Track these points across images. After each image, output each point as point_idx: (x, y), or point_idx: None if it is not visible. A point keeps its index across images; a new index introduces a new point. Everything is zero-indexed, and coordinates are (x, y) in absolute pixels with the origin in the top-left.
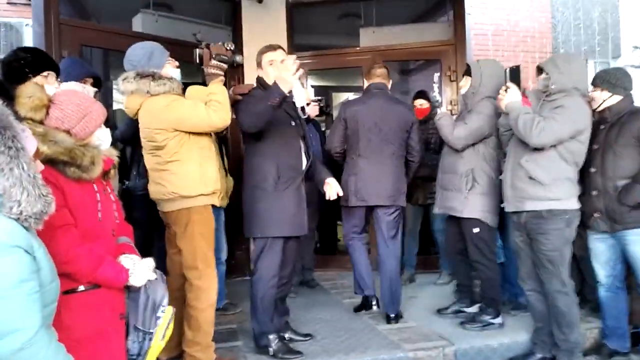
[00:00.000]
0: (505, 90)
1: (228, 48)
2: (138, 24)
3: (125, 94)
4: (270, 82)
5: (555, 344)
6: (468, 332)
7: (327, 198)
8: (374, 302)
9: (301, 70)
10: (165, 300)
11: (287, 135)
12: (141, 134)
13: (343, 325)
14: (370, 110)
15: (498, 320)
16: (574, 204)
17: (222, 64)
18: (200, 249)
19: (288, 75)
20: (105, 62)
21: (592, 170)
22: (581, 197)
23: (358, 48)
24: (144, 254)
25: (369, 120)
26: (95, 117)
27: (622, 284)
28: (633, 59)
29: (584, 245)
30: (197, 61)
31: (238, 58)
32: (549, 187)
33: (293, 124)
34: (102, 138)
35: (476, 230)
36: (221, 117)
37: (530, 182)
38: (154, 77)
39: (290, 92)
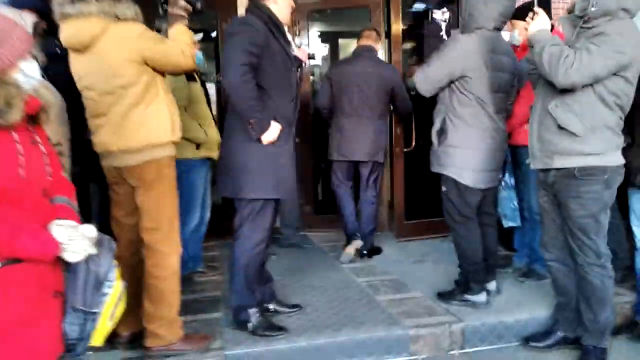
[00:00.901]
0: (532, 18)
1: None
2: None
3: (71, 18)
4: (282, 15)
5: (581, 322)
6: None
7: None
8: (354, 238)
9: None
10: (113, 274)
11: (286, 80)
12: (90, 72)
13: (337, 294)
14: (354, 71)
15: (479, 297)
16: (616, 160)
17: (188, 6)
18: (166, 208)
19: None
20: None
21: None
22: (627, 150)
23: None
24: (106, 214)
25: (352, 81)
26: (17, 44)
27: None
28: None
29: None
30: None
31: (199, 4)
32: (585, 139)
33: (292, 67)
34: (29, 73)
35: (443, 188)
36: (190, 60)
37: (560, 132)
38: None
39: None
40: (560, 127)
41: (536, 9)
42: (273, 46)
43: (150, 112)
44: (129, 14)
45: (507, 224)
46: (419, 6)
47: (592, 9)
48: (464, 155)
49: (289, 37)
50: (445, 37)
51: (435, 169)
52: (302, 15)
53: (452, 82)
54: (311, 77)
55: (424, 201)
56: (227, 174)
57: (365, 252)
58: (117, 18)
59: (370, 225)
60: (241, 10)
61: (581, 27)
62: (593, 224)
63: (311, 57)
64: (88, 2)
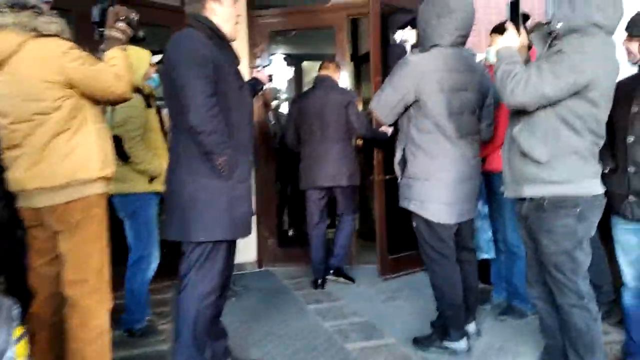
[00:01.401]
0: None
1: (133, 16)
2: None
3: None
4: (226, 28)
5: None
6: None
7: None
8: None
9: None
10: (12, 351)
11: (241, 102)
12: (4, 95)
13: (303, 342)
14: (311, 102)
15: (459, 344)
16: (589, 189)
17: (128, 29)
18: (94, 256)
19: None
20: None
21: (630, 139)
22: (610, 175)
23: (330, 4)
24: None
25: (310, 110)
26: None
27: None
28: None
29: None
30: (97, 19)
31: (141, 33)
32: (549, 166)
33: (243, 85)
34: None
35: (414, 224)
36: (127, 87)
37: (525, 159)
38: (37, 10)
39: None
40: (523, 153)
41: (507, 24)
42: (223, 64)
43: (75, 143)
44: (52, 29)
45: (480, 256)
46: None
47: (558, 26)
48: (426, 187)
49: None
50: None
51: (401, 202)
52: (263, 36)
53: (407, 107)
54: (274, 102)
55: (407, 232)
56: (172, 213)
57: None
58: (38, 33)
59: (340, 253)
60: None
61: (549, 45)
62: (568, 261)
63: (270, 79)
64: (2, 13)
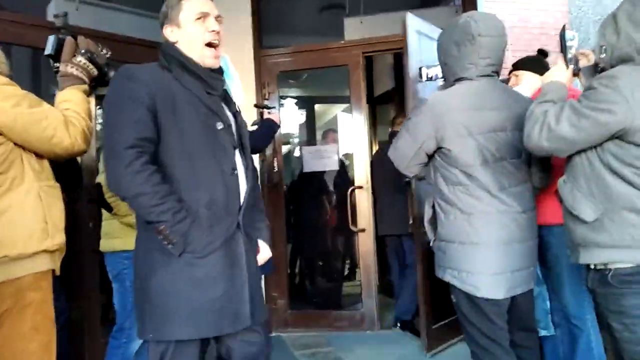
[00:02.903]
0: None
1: (103, 52)
2: (53, 12)
3: None
4: (194, 53)
5: None
6: None
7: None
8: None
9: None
10: None
11: (212, 145)
12: None
13: None
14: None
15: None
16: None
17: (90, 66)
18: (31, 356)
19: None
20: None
21: None
22: None
23: (343, 42)
24: None
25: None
26: None
27: None
28: None
29: None
30: (51, 51)
31: (112, 73)
32: (600, 226)
33: (220, 125)
34: None
35: (453, 299)
36: (79, 138)
37: (572, 217)
38: None
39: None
40: (570, 212)
41: (554, 56)
42: (180, 100)
43: (4, 207)
44: None
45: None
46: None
47: (602, 56)
48: (463, 252)
49: (231, 85)
50: None
51: (436, 271)
52: (272, 77)
53: (431, 155)
54: (285, 146)
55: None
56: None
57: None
58: None
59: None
60: None
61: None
62: None
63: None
64: None
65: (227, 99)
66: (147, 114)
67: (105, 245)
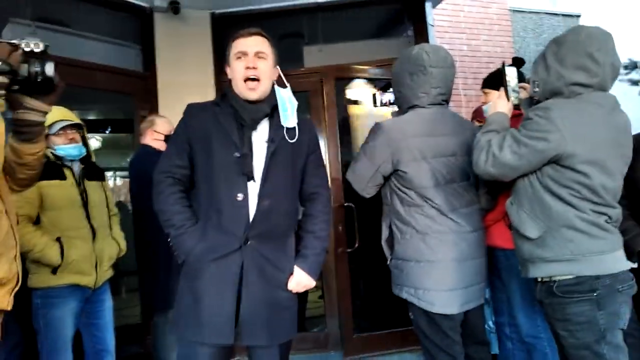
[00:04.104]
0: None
1: (27, 48)
2: (8, 37)
3: None
4: (237, 88)
5: None
6: None
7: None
8: None
9: None
10: None
11: (225, 173)
12: None
13: None
14: None
15: None
16: (601, 267)
17: (7, 70)
18: None
19: None
20: None
21: None
22: None
23: (302, 69)
24: None
25: None
26: None
27: None
28: None
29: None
30: None
31: (48, 68)
32: (542, 243)
33: (237, 154)
34: None
35: (410, 315)
36: None
37: (518, 235)
38: None
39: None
40: (515, 229)
41: (501, 91)
42: (213, 132)
43: None
44: None
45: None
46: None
47: (536, 90)
48: (419, 270)
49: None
50: None
51: (394, 290)
52: None
53: (387, 178)
54: None
55: (378, 307)
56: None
57: None
58: None
59: None
60: (162, 94)
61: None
62: (593, 358)
63: None
64: None
65: (272, 125)
66: (182, 142)
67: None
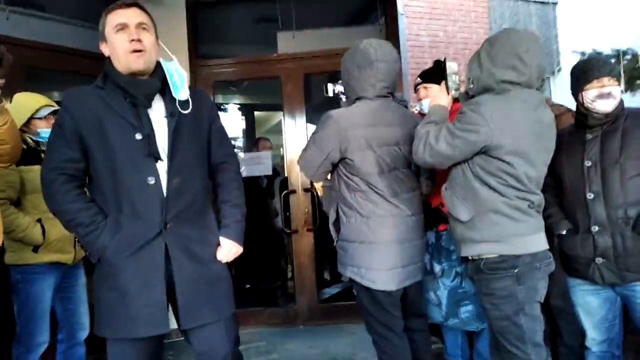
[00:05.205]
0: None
1: None
2: None
3: None
4: (119, 63)
5: None
6: None
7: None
8: None
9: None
10: None
11: (131, 158)
12: None
13: None
14: None
15: None
16: (522, 248)
17: None
18: None
19: None
20: None
21: (590, 196)
22: (571, 237)
23: (275, 55)
24: None
25: None
26: None
27: (620, 350)
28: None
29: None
30: None
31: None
32: (472, 225)
33: (138, 136)
34: None
35: (354, 292)
36: None
37: (452, 218)
38: None
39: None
40: (450, 212)
41: (442, 85)
42: (105, 118)
43: None
44: None
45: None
46: None
47: (470, 86)
48: (362, 251)
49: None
50: None
51: (339, 269)
52: (207, 86)
53: (335, 165)
54: None
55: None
56: None
57: None
58: None
59: None
60: None
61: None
62: (512, 327)
63: None
64: None
65: (166, 101)
66: (65, 133)
67: (7, 258)
